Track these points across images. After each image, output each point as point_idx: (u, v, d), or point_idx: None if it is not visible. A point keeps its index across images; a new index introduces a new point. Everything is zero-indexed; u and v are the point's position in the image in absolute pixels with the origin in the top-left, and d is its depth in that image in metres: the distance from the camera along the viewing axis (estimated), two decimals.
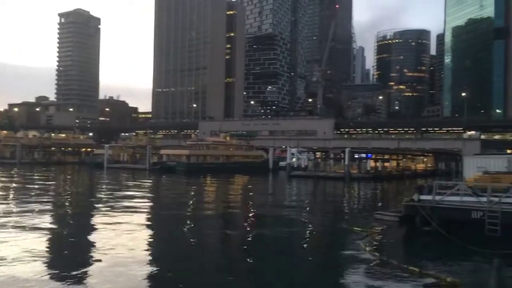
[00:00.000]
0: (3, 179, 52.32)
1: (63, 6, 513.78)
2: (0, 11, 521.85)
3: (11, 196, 34.19)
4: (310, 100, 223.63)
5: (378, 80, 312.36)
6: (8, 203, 28.34)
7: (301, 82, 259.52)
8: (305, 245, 18.24)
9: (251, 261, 15.25)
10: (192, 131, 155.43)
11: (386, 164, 74.35)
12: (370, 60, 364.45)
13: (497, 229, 17.31)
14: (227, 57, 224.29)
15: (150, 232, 20.50)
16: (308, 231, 21.42)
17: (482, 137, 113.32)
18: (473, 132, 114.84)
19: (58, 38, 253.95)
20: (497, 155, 39.12)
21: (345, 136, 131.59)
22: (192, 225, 22.14)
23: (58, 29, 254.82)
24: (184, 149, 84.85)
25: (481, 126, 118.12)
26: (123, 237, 17.99)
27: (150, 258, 14.94)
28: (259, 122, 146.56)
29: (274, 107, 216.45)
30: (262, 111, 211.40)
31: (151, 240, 18.45)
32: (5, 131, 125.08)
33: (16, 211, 24.23)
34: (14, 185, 44.15)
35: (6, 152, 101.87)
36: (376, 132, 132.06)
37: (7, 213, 23.22)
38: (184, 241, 18.04)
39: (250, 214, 27.37)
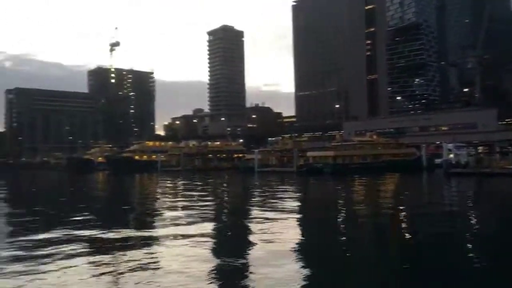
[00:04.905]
0: (187, 184, 58.84)
1: (210, 23, 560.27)
2: (155, 36, 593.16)
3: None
4: (465, 89, 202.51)
5: None
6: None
7: (453, 70, 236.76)
8: (478, 262, 15.10)
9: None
10: (337, 132, 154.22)
11: None
12: None
13: None
14: (368, 53, 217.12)
15: (301, 229, 20.50)
16: (479, 244, 18.74)
17: None
18: None
19: (208, 54, 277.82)
20: None
21: None
22: (343, 226, 21.52)
23: (208, 46, 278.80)
24: (329, 150, 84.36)
25: None
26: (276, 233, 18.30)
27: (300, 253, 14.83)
28: (408, 118, 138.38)
29: (423, 101, 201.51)
30: (410, 106, 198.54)
31: (301, 237, 18.39)
32: (170, 142, 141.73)
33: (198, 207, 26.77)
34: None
35: (172, 160, 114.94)
36: None
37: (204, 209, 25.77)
38: (336, 242, 17.58)
39: (405, 219, 25.55)
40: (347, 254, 16.10)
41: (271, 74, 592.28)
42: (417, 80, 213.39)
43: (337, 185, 52.68)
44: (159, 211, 28.95)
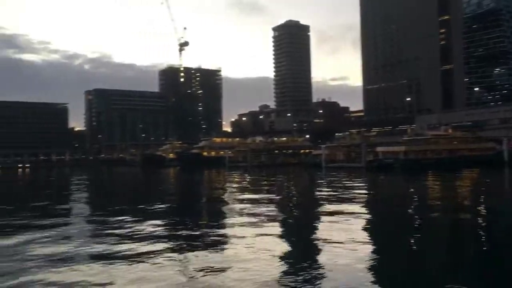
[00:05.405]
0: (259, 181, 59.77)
1: (276, 19, 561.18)
2: (222, 33, 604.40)
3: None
4: None
5: None
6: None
7: None
8: None
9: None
10: (408, 126, 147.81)
11: None
12: None
13: None
14: (442, 42, 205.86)
15: (369, 229, 19.81)
16: None
17: None
18: None
19: (274, 50, 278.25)
20: None
21: None
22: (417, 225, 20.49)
23: (273, 42, 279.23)
24: (400, 145, 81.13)
25: None
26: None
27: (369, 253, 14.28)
28: (487, 111, 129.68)
29: (504, 91, 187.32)
30: (490, 97, 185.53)
31: (369, 236, 17.75)
32: (237, 139, 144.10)
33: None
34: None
35: (239, 156, 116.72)
36: None
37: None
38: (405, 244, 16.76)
39: (484, 218, 23.82)
40: (419, 258, 15.31)
41: (338, 68, 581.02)
42: (497, 69, 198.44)
43: (409, 181, 50.52)
44: (229, 206, 29.43)
